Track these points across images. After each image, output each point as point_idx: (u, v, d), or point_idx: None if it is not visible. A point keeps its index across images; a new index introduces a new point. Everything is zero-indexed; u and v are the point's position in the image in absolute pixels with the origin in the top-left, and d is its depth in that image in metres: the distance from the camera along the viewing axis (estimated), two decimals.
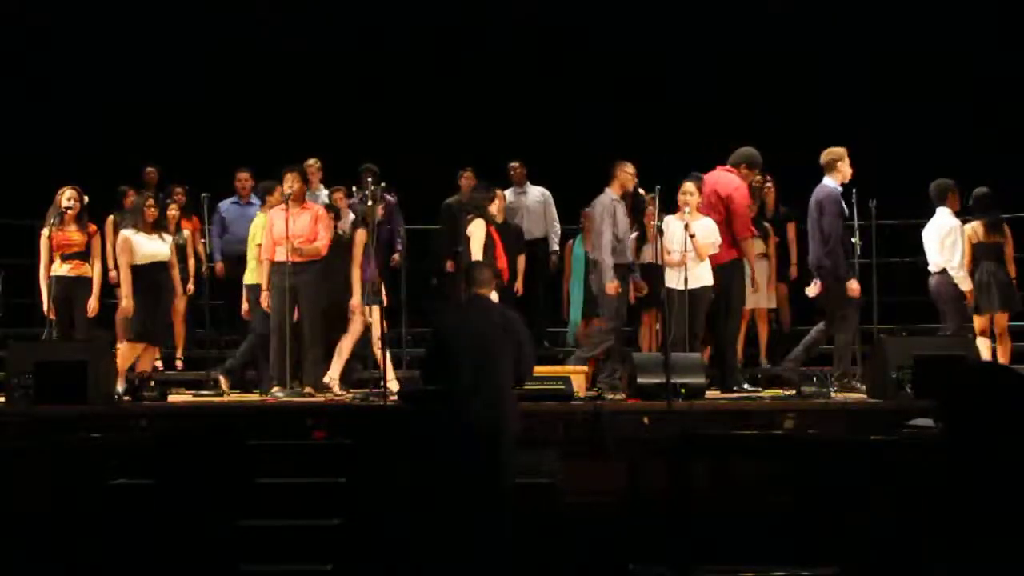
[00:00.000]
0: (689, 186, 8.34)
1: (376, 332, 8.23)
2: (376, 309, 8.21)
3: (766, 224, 9.50)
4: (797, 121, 11.23)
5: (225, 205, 9.87)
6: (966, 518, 2.96)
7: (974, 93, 11.09)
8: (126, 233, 8.36)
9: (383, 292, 8.41)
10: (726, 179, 8.38)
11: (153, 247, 8.41)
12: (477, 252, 8.07)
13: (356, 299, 8.40)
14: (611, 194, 8.54)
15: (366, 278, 8.41)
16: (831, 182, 8.28)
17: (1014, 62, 10.92)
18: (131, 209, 8.74)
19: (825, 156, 8.34)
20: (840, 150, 8.31)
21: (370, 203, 8.30)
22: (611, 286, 8.33)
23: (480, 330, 5.72)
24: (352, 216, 8.92)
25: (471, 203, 8.55)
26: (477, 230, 8.15)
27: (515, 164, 10.43)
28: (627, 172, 8.58)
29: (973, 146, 8.65)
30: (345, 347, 8.48)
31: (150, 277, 8.35)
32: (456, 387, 5.65)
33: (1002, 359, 8.38)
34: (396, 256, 9.82)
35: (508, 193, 10.10)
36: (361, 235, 8.50)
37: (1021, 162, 9.85)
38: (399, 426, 6.68)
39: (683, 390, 7.18)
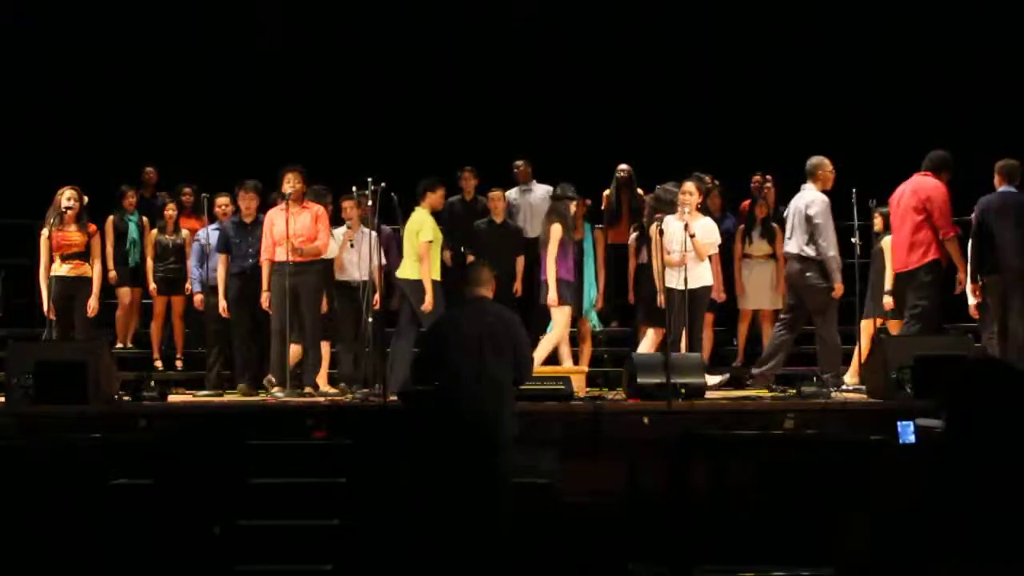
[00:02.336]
0: (689, 186, 8.34)
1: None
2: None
3: (774, 225, 9.49)
4: (796, 121, 11.23)
5: (205, 234, 9.14)
6: (966, 518, 2.96)
7: (974, 93, 11.10)
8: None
9: (377, 296, 8.40)
10: (924, 182, 8.08)
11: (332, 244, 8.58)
12: (659, 253, 8.07)
13: (552, 296, 8.41)
14: (818, 191, 8.38)
15: (561, 275, 8.50)
16: (1013, 188, 8.14)
17: (1013, 61, 10.93)
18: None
19: (1013, 166, 8.15)
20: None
21: (369, 203, 8.29)
22: (839, 287, 8.25)
23: (478, 331, 5.68)
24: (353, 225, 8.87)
25: (660, 201, 8.39)
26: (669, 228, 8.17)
27: (520, 162, 10.36)
28: (828, 170, 8.43)
29: (973, 146, 8.62)
30: (545, 347, 8.55)
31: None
32: (454, 387, 5.64)
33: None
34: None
35: (513, 191, 10.08)
36: (556, 230, 8.50)
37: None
38: (399, 426, 6.68)
39: (683, 390, 7.19)
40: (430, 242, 8.46)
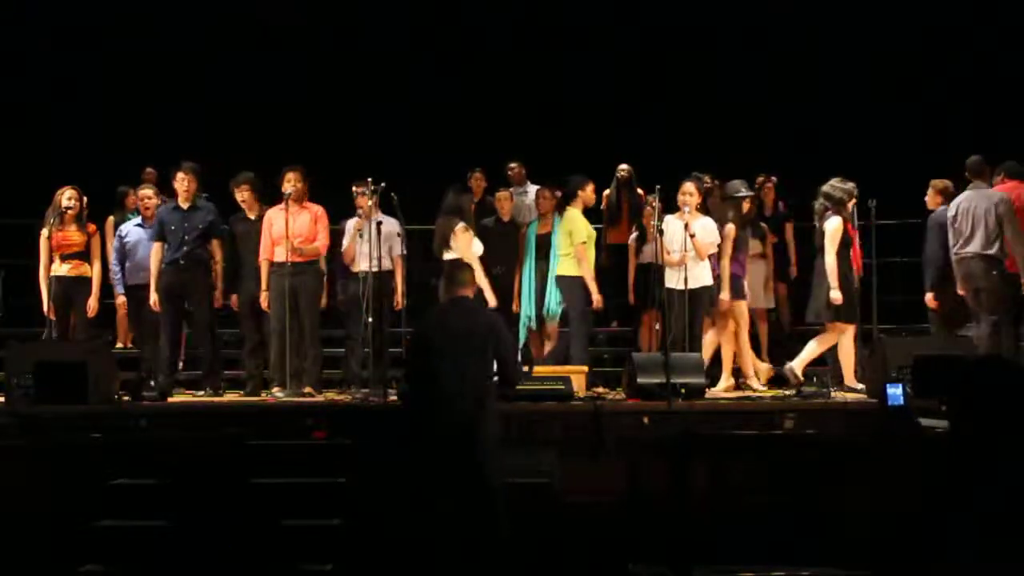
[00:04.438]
0: (689, 186, 8.34)
1: None
2: None
3: (763, 224, 9.47)
4: (796, 121, 11.24)
5: (128, 228, 8.93)
6: (968, 517, 2.96)
7: (974, 92, 11.11)
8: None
9: (398, 295, 8.44)
10: None
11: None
12: (832, 249, 7.99)
13: (725, 293, 8.46)
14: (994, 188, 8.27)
15: (733, 271, 8.50)
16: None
17: (1014, 61, 10.94)
18: (459, 206, 8.41)
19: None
20: None
21: (370, 203, 8.29)
22: None
23: (461, 331, 5.70)
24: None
25: (829, 199, 8.21)
26: (834, 226, 8.05)
27: (514, 164, 10.39)
28: (985, 167, 8.35)
29: (973, 146, 8.63)
30: (726, 344, 8.60)
31: None
32: (436, 387, 5.65)
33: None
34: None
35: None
36: (730, 229, 8.53)
37: None
38: (398, 426, 6.68)
39: (683, 390, 7.20)
40: (584, 243, 8.64)
